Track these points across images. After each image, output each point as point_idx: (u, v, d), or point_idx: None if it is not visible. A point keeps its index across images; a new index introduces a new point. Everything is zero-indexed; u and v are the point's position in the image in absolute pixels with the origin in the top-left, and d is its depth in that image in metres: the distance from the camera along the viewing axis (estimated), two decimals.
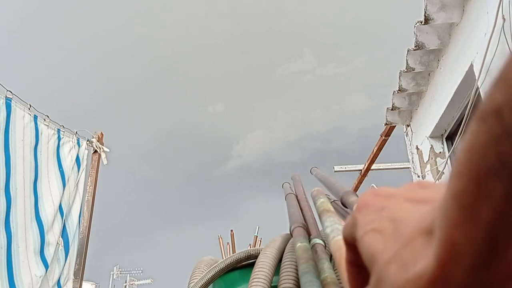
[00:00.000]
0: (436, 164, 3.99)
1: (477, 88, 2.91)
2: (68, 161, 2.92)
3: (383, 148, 5.39)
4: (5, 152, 2.40)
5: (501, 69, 0.18)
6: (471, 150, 0.18)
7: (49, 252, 2.61)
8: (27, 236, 2.46)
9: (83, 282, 2.95)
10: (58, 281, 2.74)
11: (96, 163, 3.18)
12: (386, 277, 0.23)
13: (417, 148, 4.39)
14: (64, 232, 2.84)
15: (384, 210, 0.27)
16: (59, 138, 2.89)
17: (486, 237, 0.18)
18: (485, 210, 0.17)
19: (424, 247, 0.21)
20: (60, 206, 2.79)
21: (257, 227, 2.00)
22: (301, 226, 0.79)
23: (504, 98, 0.17)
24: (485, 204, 0.17)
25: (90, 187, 3.11)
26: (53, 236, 2.68)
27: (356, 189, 6.46)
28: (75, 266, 2.89)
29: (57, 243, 2.72)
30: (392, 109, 4.31)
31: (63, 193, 2.82)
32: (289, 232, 0.82)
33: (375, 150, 5.48)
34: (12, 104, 2.49)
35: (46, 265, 2.56)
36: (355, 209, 0.29)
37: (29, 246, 2.46)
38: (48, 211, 2.65)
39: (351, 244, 0.30)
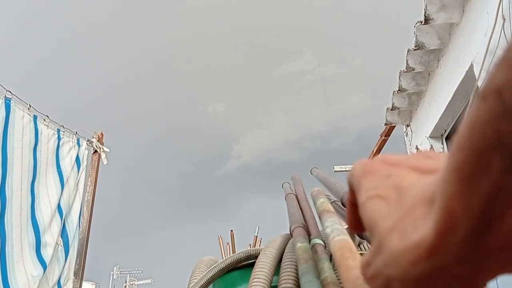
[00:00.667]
0: None
1: (477, 88, 2.91)
2: (67, 161, 2.92)
3: (383, 148, 5.39)
4: (2, 152, 2.40)
5: (504, 50, 0.18)
6: (472, 126, 0.19)
7: (46, 252, 2.60)
8: (22, 237, 2.45)
9: (83, 282, 2.95)
10: (58, 281, 2.73)
11: (96, 163, 3.18)
12: (386, 244, 0.23)
13: (417, 148, 4.39)
14: (64, 232, 2.84)
15: (390, 178, 0.27)
16: (59, 138, 2.89)
17: (482, 208, 0.19)
18: (483, 183, 0.18)
19: (425, 216, 0.22)
20: (58, 206, 2.78)
21: (257, 227, 2.00)
22: (301, 226, 0.79)
23: (505, 78, 0.17)
24: (483, 177, 0.18)
25: (90, 187, 3.11)
26: (51, 236, 2.67)
27: None
28: (75, 266, 2.89)
29: (57, 243, 2.72)
30: (392, 109, 4.31)
31: (61, 193, 2.81)
32: (289, 232, 0.82)
33: (375, 150, 5.48)
34: (11, 104, 2.48)
35: (44, 265, 2.55)
36: (361, 172, 0.30)
37: (24, 246, 2.45)
38: (44, 211, 2.64)
39: (353, 190, 0.31)
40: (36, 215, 2.59)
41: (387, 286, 0.24)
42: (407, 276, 0.22)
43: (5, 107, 2.44)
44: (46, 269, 2.57)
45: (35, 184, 2.62)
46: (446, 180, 0.20)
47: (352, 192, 0.32)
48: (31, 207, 2.57)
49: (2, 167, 2.39)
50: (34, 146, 2.64)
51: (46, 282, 2.61)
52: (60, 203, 2.81)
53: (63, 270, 2.78)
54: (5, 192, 2.39)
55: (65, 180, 2.87)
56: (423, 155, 0.29)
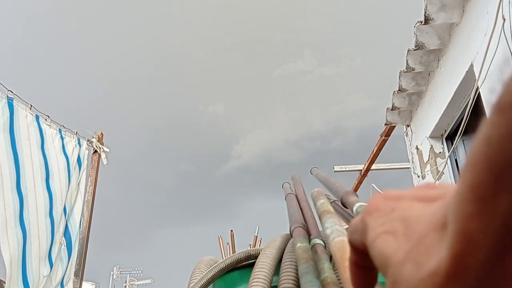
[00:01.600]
0: (436, 164, 3.99)
1: (477, 88, 2.91)
2: (71, 161, 2.93)
3: (383, 148, 5.40)
4: (12, 150, 2.41)
5: None
6: (489, 142, 0.18)
7: (54, 252, 2.62)
8: (40, 234, 2.46)
9: (83, 282, 2.95)
10: (62, 280, 2.74)
11: (96, 163, 3.18)
12: (401, 278, 0.22)
13: (417, 148, 4.39)
14: (66, 232, 2.85)
15: (395, 211, 0.26)
16: (62, 138, 2.90)
17: (502, 229, 0.18)
18: (502, 202, 0.17)
19: (437, 242, 0.21)
20: (64, 205, 2.80)
21: (257, 227, 2.00)
22: (301, 226, 0.79)
23: None
24: (503, 195, 0.17)
25: (90, 187, 3.11)
26: (58, 235, 2.69)
27: (356, 189, 6.46)
28: (75, 266, 2.89)
29: (60, 242, 2.73)
30: (392, 109, 4.31)
31: (67, 192, 2.83)
32: (289, 232, 0.82)
33: (375, 150, 5.48)
34: (14, 104, 2.49)
35: (51, 265, 2.56)
36: (365, 213, 0.29)
37: (42, 244, 2.47)
38: (58, 209, 2.66)
39: (357, 248, 0.30)
40: (53, 212, 2.61)
41: None
42: None
43: (9, 107, 2.45)
44: (52, 269, 2.58)
45: (50, 182, 2.63)
46: (461, 201, 0.19)
47: (355, 249, 0.30)
48: (50, 204, 2.58)
49: (15, 164, 2.40)
50: (41, 144, 2.65)
51: (50, 282, 2.62)
52: (65, 202, 2.82)
53: (66, 270, 2.78)
54: (21, 189, 2.40)
55: (71, 180, 2.88)
56: (426, 186, 0.28)
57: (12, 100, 2.48)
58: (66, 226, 2.86)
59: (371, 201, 0.30)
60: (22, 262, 2.33)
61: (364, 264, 0.29)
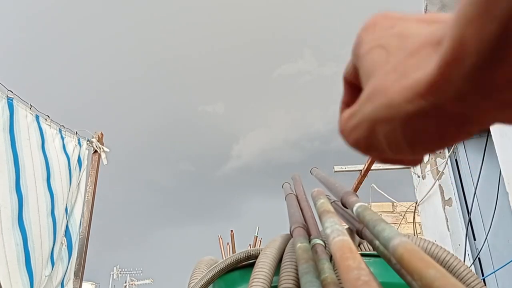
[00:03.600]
0: (436, 164, 3.99)
1: None
2: (72, 161, 2.94)
3: None
4: (12, 150, 2.41)
5: None
6: None
7: (56, 252, 2.62)
8: (42, 234, 2.46)
9: (83, 282, 2.95)
10: (62, 281, 2.74)
11: (96, 163, 3.18)
12: (382, 86, 0.22)
13: None
14: (67, 232, 2.85)
15: (393, 28, 0.25)
16: (62, 138, 2.90)
17: (497, 33, 0.17)
18: (503, 3, 0.16)
19: (429, 57, 0.20)
20: (65, 205, 2.81)
21: (257, 227, 2.00)
22: (301, 227, 0.79)
23: None
24: None
25: (90, 187, 3.11)
26: (60, 235, 2.69)
27: (356, 189, 6.46)
28: (75, 266, 2.89)
29: (61, 242, 2.73)
30: None
31: (68, 191, 2.83)
32: (289, 232, 0.82)
33: None
34: (14, 104, 2.49)
35: (53, 264, 2.57)
36: (361, 28, 0.28)
37: (44, 244, 2.47)
38: (60, 209, 2.67)
39: (350, 83, 0.28)
40: (55, 212, 2.61)
41: (370, 132, 0.22)
42: (397, 115, 0.20)
43: (8, 107, 2.44)
44: (54, 269, 2.59)
45: (51, 182, 2.63)
46: (461, 8, 0.18)
47: (348, 84, 0.29)
48: (51, 203, 2.59)
49: (14, 165, 2.40)
50: (41, 144, 2.65)
51: (51, 282, 2.62)
52: (67, 202, 2.83)
53: (66, 270, 2.79)
54: (20, 190, 2.40)
55: (72, 180, 2.89)
56: (429, 14, 0.26)
57: (12, 100, 2.48)
58: (67, 226, 2.86)
59: (370, 18, 0.28)
60: (26, 262, 2.33)
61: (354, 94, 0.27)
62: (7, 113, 2.42)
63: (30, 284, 2.33)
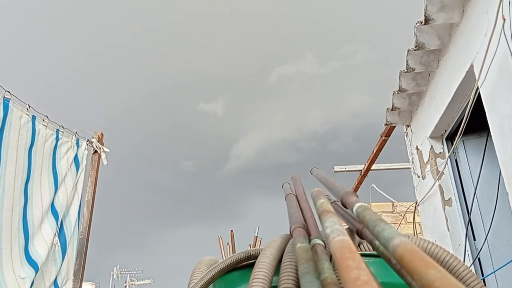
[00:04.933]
0: (436, 165, 3.99)
1: (477, 88, 2.91)
2: (63, 162, 2.92)
3: (383, 148, 5.40)
4: None
5: None
6: None
7: (37, 254, 2.59)
8: (12, 238, 2.44)
9: (83, 282, 2.95)
10: (55, 281, 2.74)
11: (96, 163, 3.18)
12: None
13: (417, 148, 4.39)
14: (61, 233, 2.84)
15: None
16: (57, 139, 2.89)
17: None
18: None
19: None
20: (52, 207, 2.78)
21: (257, 227, 2.00)
22: (301, 227, 0.79)
23: None
24: None
25: (90, 187, 3.11)
26: (42, 238, 2.66)
27: (356, 189, 6.46)
28: (75, 266, 2.89)
29: (53, 243, 2.72)
30: (392, 110, 4.31)
31: (55, 194, 2.81)
32: (289, 233, 0.82)
33: (375, 151, 5.48)
34: (9, 105, 2.48)
35: (35, 267, 2.54)
36: None
37: (14, 248, 2.44)
38: (36, 213, 2.63)
39: None
40: (28, 217, 2.58)
41: None
42: None
43: (3, 107, 2.44)
44: (39, 270, 2.56)
45: (28, 185, 2.62)
46: None
47: None
48: (24, 208, 2.56)
49: None
50: (29, 146, 2.63)
51: (43, 283, 2.61)
52: (55, 204, 2.80)
53: (60, 270, 2.77)
54: None
55: (59, 181, 2.86)
56: None
57: (8, 101, 2.48)
58: (61, 226, 2.85)
59: None
60: None
61: None
62: (1, 114, 2.42)
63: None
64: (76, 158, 3.05)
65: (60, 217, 2.83)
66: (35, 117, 2.69)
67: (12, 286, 2.37)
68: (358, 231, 0.81)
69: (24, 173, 2.58)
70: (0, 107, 2.41)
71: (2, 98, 2.43)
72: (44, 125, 2.76)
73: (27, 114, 2.62)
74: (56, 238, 2.77)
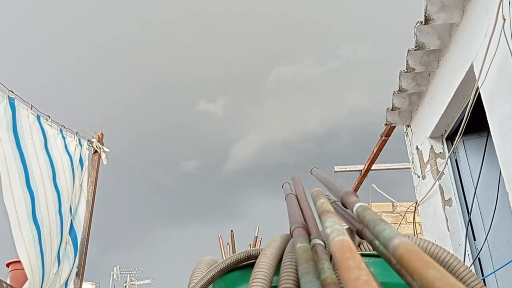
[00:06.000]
0: (436, 165, 3.99)
1: (477, 88, 2.91)
2: (75, 160, 2.95)
3: (383, 149, 5.40)
4: (18, 149, 2.41)
5: None
6: None
7: (62, 249, 2.63)
8: (51, 231, 2.47)
9: (83, 282, 2.95)
10: (67, 279, 2.75)
11: (96, 163, 3.18)
12: None
13: (417, 148, 4.39)
14: (72, 231, 2.86)
15: None
16: (63, 138, 2.90)
17: None
18: None
19: None
20: (70, 203, 2.81)
21: (257, 227, 2.01)
22: (301, 227, 0.79)
23: None
24: None
25: (90, 187, 3.12)
26: (66, 233, 2.71)
27: (356, 189, 6.46)
28: (76, 266, 2.90)
29: (66, 241, 2.74)
30: (392, 110, 4.31)
31: (72, 191, 2.84)
32: (289, 233, 0.82)
33: (375, 150, 5.48)
34: (15, 104, 2.49)
35: (59, 262, 2.58)
36: None
37: (53, 241, 2.48)
38: (65, 207, 2.67)
39: None
40: (62, 210, 2.62)
41: None
42: None
43: (10, 107, 2.45)
44: (60, 267, 2.59)
45: (56, 180, 2.64)
46: None
47: None
48: (58, 201, 2.60)
49: (22, 163, 2.40)
50: (44, 144, 2.65)
51: (58, 280, 2.63)
52: (71, 201, 2.83)
53: (72, 268, 2.80)
54: (31, 187, 2.41)
55: (75, 178, 2.89)
56: None
57: (14, 100, 2.49)
58: (72, 225, 2.87)
59: None
60: (41, 259, 2.35)
61: None
62: (10, 113, 2.42)
63: (41, 280, 2.34)
64: (80, 157, 3.06)
65: (72, 215, 2.85)
66: (39, 116, 2.70)
67: (46, 280, 2.40)
68: (358, 231, 0.81)
69: (49, 169, 2.61)
70: (7, 106, 2.42)
71: (8, 98, 2.44)
72: (49, 125, 2.78)
73: (32, 113, 2.63)
74: (68, 236, 2.79)
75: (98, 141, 3.19)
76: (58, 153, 2.75)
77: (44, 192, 2.48)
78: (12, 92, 2.48)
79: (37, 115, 2.67)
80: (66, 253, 2.74)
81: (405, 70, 3.76)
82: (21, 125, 2.49)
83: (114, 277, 22.64)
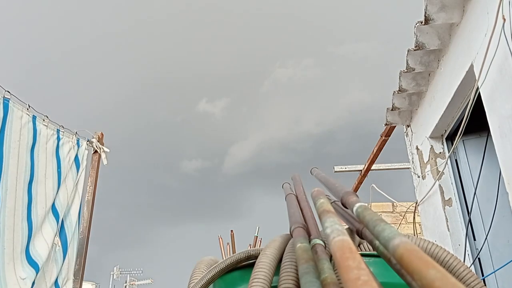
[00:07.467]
0: (436, 165, 3.99)
1: (477, 88, 2.91)
2: (66, 162, 2.92)
3: (383, 149, 5.40)
4: None
5: None
6: None
7: (38, 254, 2.58)
8: (15, 238, 2.43)
9: (83, 282, 2.95)
10: (56, 281, 2.73)
11: (96, 163, 3.18)
12: None
13: (417, 148, 4.39)
14: (62, 233, 2.83)
15: None
16: (58, 139, 2.88)
17: None
18: None
19: None
20: (53, 207, 2.78)
21: (257, 227, 2.00)
22: (301, 227, 0.79)
23: None
24: None
25: (90, 187, 3.11)
26: (42, 238, 2.66)
27: (356, 189, 6.46)
28: (75, 267, 2.89)
29: (54, 243, 2.72)
30: (392, 110, 4.31)
31: (57, 193, 2.81)
32: (289, 233, 0.82)
33: (375, 150, 5.48)
34: (9, 105, 2.48)
35: (35, 267, 2.53)
36: None
37: (16, 248, 2.43)
38: (40, 212, 2.63)
39: None
40: (32, 216, 2.58)
41: None
42: None
43: (3, 107, 2.43)
44: (40, 271, 2.56)
45: (32, 185, 2.61)
46: None
47: None
48: (28, 208, 2.56)
49: None
50: (31, 146, 2.63)
51: (44, 283, 2.61)
52: (56, 203, 2.80)
53: (61, 270, 2.77)
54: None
55: (62, 180, 2.86)
56: None
57: (8, 101, 2.47)
58: (62, 226, 2.85)
59: None
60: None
61: None
62: (1, 114, 2.41)
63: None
64: (76, 158, 3.05)
65: (61, 217, 2.83)
66: (35, 117, 2.69)
67: (12, 286, 2.37)
68: (358, 231, 0.81)
69: (27, 173, 2.57)
70: (0, 107, 2.41)
71: (2, 98, 2.43)
72: (45, 125, 2.76)
73: (27, 114, 2.61)
74: (57, 238, 2.77)
75: (98, 141, 3.18)
76: (45, 157, 2.72)
77: (14, 198, 2.43)
78: (9, 92, 2.47)
79: (33, 115, 2.66)
80: (54, 255, 2.72)
81: (405, 70, 3.76)
82: (11, 126, 2.47)
83: (114, 277, 22.65)
